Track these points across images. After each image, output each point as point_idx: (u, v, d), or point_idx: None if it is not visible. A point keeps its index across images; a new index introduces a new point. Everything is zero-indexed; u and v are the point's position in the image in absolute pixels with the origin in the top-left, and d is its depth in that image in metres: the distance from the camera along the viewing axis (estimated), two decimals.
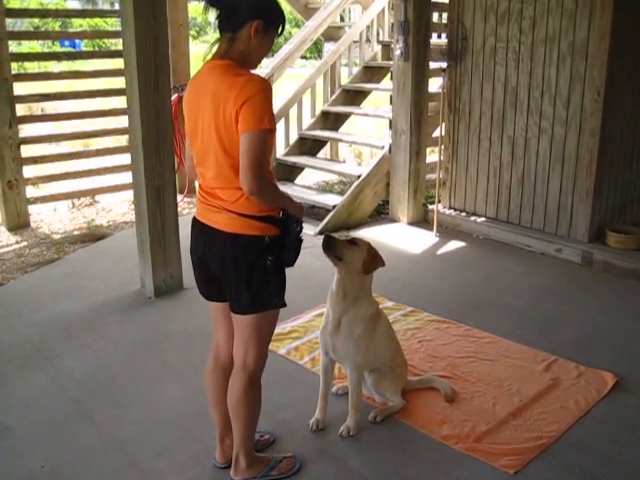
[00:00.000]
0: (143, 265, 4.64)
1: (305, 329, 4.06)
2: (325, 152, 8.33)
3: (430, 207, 6.18)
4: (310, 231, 5.91)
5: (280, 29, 2.40)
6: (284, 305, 2.57)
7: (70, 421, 3.20)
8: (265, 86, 2.28)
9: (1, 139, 6.03)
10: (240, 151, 2.26)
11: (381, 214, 6.47)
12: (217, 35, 2.40)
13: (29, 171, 6.52)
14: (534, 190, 5.49)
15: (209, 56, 2.41)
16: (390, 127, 6.17)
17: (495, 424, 3.05)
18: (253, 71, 2.40)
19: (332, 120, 7.23)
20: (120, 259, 5.31)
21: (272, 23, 2.36)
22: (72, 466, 2.88)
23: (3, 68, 5.95)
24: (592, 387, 3.37)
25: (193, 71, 7.41)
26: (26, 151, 6.38)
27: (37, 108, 9.35)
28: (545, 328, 4.10)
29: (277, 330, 3.97)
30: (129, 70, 4.30)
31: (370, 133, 9.51)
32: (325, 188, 7.31)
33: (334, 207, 5.98)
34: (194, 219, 2.56)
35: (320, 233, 5.83)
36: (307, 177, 7.87)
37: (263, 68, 6.86)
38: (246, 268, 2.41)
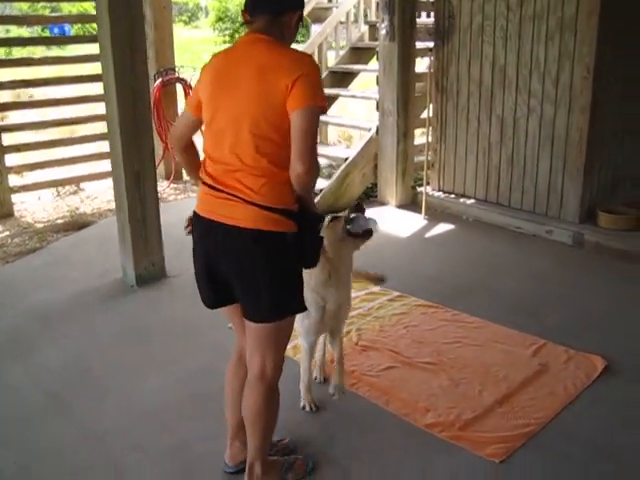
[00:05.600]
0: (124, 253, 4.54)
1: None
2: (320, 137, 8.20)
3: (419, 189, 6.08)
4: None
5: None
6: (305, 308, 2.39)
7: (45, 415, 3.10)
8: (317, 66, 2.23)
9: None
10: (293, 129, 2.09)
11: (370, 197, 6.35)
12: (241, 18, 2.36)
13: (12, 159, 6.39)
14: (524, 170, 5.39)
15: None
16: (377, 108, 6.05)
17: (481, 411, 2.97)
18: None
19: None
20: (102, 247, 5.20)
21: (302, 15, 2.37)
22: (45, 462, 2.79)
23: None
24: (581, 372, 3.29)
25: (179, 56, 7.30)
26: (8, 139, 6.26)
27: (25, 95, 9.17)
28: (535, 311, 4.01)
29: None
30: (104, 54, 4.18)
31: (361, 115, 9.37)
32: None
33: (320, 191, 5.88)
34: (197, 216, 2.31)
35: None
36: None
37: None
38: (268, 270, 2.19)
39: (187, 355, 3.59)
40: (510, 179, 5.50)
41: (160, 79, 6.94)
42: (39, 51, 13.61)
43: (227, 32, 23.73)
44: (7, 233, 5.79)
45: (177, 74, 7.16)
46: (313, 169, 2.12)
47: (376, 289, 4.29)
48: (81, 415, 3.10)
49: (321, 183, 6.04)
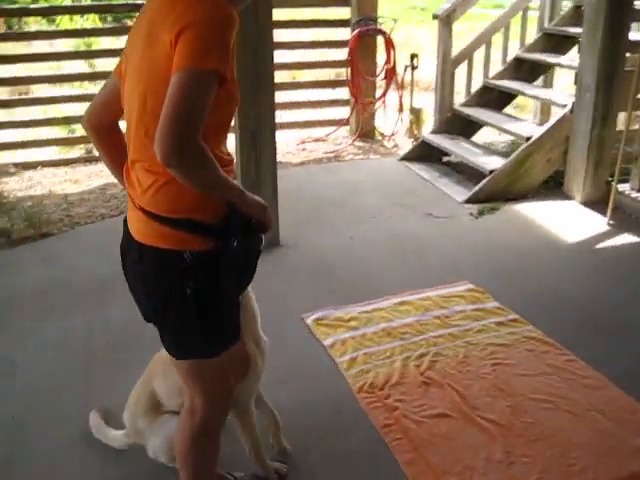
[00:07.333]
0: None
1: (368, 319, 3.34)
2: (536, 110, 7.10)
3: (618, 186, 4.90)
4: (458, 197, 5.03)
5: None
6: (216, 354, 1.75)
7: (50, 395, 2.86)
8: (223, 13, 1.49)
9: None
10: (165, 98, 1.45)
11: (558, 186, 5.28)
12: None
13: None
14: None
15: None
16: (575, 82, 4.94)
17: None
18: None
19: (526, 70, 6.03)
20: None
21: None
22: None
23: None
24: None
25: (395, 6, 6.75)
26: None
27: None
28: None
29: (339, 314, 3.38)
30: None
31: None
32: (508, 149, 6.19)
33: (491, 172, 5.02)
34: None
35: (467, 202, 4.94)
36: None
37: (444, 2, 5.92)
38: (158, 297, 1.70)
39: None
40: None
41: (358, 29, 6.47)
42: None
43: None
44: None
45: (378, 25, 6.63)
46: (174, 153, 1.42)
47: (490, 305, 3.48)
48: (90, 393, 2.84)
49: (497, 162, 5.16)
